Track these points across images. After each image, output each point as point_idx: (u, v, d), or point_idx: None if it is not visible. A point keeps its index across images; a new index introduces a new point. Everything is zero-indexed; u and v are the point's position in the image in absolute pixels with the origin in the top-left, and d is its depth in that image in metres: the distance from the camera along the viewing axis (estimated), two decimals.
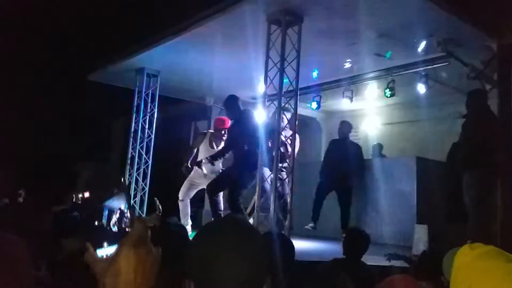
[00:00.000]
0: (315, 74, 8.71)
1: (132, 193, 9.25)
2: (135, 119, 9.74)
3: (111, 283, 1.03)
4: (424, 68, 7.90)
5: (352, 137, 9.03)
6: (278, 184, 6.22)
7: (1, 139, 8.17)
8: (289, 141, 6.53)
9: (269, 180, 6.29)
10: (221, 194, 6.67)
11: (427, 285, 2.68)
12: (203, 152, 7.06)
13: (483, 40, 6.55)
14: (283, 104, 6.33)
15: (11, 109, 8.68)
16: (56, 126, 9.61)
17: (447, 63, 7.43)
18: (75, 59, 9.24)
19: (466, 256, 1.26)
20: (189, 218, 7.11)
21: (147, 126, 9.74)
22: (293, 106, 6.42)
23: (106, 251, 1.12)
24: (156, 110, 9.75)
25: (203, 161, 6.66)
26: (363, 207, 8.47)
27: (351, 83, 9.24)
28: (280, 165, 6.50)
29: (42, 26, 9.03)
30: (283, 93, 6.29)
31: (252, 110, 7.02)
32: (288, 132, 6.61)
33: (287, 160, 6.55)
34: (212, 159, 6.63)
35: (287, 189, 6.54)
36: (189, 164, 7.07)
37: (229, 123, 6.87)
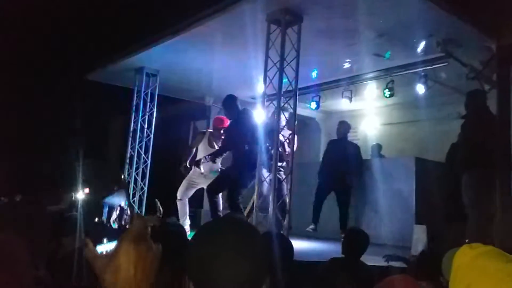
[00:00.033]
0: (314, 74, 8.71)
1: (131, 192, 9.23)
2: (134, 119, 9.72)
3: (111, 279, 1.02)
4: (423, 68, 7.91)
5: (351, 137, 9.04)
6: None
7: (1, 139, 8.17)
8: (287, 141, 6.54)
9: (267, 180, 6.30)
10: (220, 195, 6.67)
11: (427, 285, 2.68)
12: (202, 152, 7.06)
13: (483, 41, 6.56)
14: (282, 104, 6.34)
15: (11, 109, 8.67)
16: (56, 125, 9.60)
17: (446, 64, 7.44)
18: (74, 59, 9.23)
19: (466, 256, 1.26)
20: (187, 217, 7.10)
21: (146, 126, 9.72)
22: (292, 106, 6.43)
23: (105, 247, 1.12)
24: (155, 110, 9.74)
25: (202, 160, 6.65)
26: (362, 208, 8.48)
27: (350, 83, 9.26)
28: (278, 164, 6.51)
29: (42, 26, 9.02)
30: (282, 93, 6.29)
31: (251, 109, 7.02)
32: (286, 132, 6.62)
33: (285, 160, 6.55)
34: (211, 158, 6.63)
35: (285, 190, 6.55)
36: (187, 164, 7.07)
37: (228, 122, 6.87)
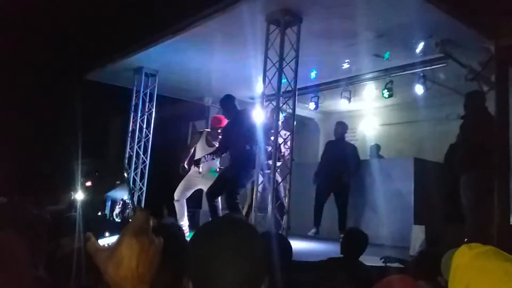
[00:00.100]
0: (313, 74, 8.71)
1: None
2: (133, 119, 9.71)
3: (113, 272, 1.02)
4: (422, 69, 7.92)
5: (350, 137, 9.05)
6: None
7: (1, 139, 8.16)
8: (284, 141, 6.56)
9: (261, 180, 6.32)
10: (219, 198, 6.63)
11: (425, 285, 2.69)
12: (200, 151, 7.05)
13: (481, 42, 6.56)
14: (281, 105, 6.34)
15: (11, 109, 8.67)
16: (56, 125, 9.60)
17: (445, 64, 7.45)
18: (74, 58, 9.22)
19: (465, 255, 1.27)
20: (186, 218, 7.07)
21: (145, 126, 9.71)
22: (291, 107, 6.43)
23: (107, 240, 1.12)
24: (154, 110, 9.73)
25: (202, 159, 6.64)
26: (361, 208, 8.47)
27: (349, 84, 9.26)
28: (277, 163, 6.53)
29: (42, 26, 9.02)
30: (281, 93, 6.30)
31: (249, 110, 7.02)
32: (282, 132, 6.62)
33: (281, 160, 6.56)
34: (210, 157, 6.63)
35: (282, 190, 6.56)
36: (185, 164, 7.06)
37: (225, 122, 6.87)
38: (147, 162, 9.64)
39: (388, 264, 4.79)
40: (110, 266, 1.03)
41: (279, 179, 6.53)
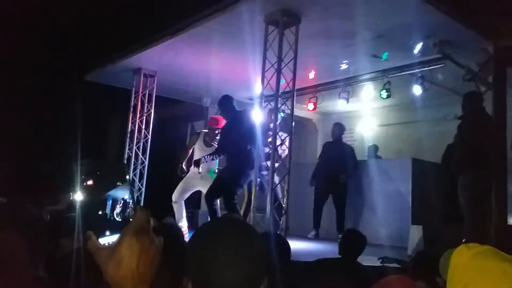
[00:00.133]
0: (311, 75, 8.72)
1: None
2: (131, 120, 9.70)
3: (113, 271, 1.03)
4: (420, 69, 7.93)
5: (348, 138, 9.05)
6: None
7: (0, 139, 8.15)
8: (281, 143, 6.57)
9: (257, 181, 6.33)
10: (218, 200, 6.60)
11: (424, 285, 2.69)
12: (198, 151, 7.04)
13: (479, 43, 6.58)
14: (279, 105, 6.35)
15: (11, 109, 8.65)
16: (55, 125, 9.58)
17: (443, 65, 7.46)
18: (74, 59, 9.22)
19: (463, 255, 1.27)
20: (185, 219, 7.03)
21: (143, 127, 9.71)
22: (289, 107, 6.44)
23: (108, 239, 1.13)
24: (152, 111, 9.72)
25: (202, 160, 6.63)
26: (359, 209, 8.48)
27: (347, 84, 9.27)
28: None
29: (42, 26, 9.01)
30: (280, 93, 6.30)
31: (248, 110, 7.02)
32: (279, 134, 6.62)
33: (278, 162, 6.56)
34: (210, 157, 6.62)
35: (280, 191, 6.57)
36: (183, 165, 7.05)
37: (223, 122, 6.87)
38: (146, 162, 9.63)
39: (386, 265, 4.80)
40: (110, 265, 1.03)
41: (276, 180, 6.53)
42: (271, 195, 6.00)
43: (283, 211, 6.25)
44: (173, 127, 12.15)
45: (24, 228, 1.83)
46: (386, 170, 8.40)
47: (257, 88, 7.25)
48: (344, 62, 8.08)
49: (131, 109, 9.68)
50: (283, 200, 6.34)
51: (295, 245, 5.43)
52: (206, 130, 7.28)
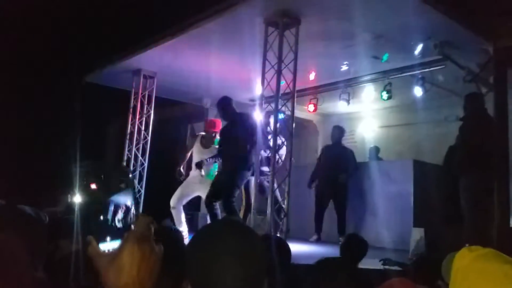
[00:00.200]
0: (312, 76, 8.71)
1: None
2: (131, 121, 9.69)
3: (114, 278, 1.02)
4: (421, 71, 7.91)
5: (348, 140, 9.04)
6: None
7: (0, 139, 8.14)
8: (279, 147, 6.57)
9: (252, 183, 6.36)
10: (218, 205, 6.56)
11: None
12: (197, 154, 7.03)
13: (480, 43, 6.57)
14: (280, 107, 6.34)
15: (11, 109, 8.64)
16: (55, 125, 9.57)
17: (443, 66, 7.45)
18: (74, 59, 9.21)
19: (465, 258, 1.27)
20: (184, 224, 6.99)
21: (143, 128, 9.69)
22: (290, 109, 6.43)
23: (109, 245, 1.12)
24: (152, 112, 9.70)
25: (204, 162, 6.62)
26: (360, 211, 8.46)
27: (348, 86, 9.25)
28: (267, 169, 6.53)
29: (42, 26, 9.01)
30: (280, 95, 6.29)
31: (248, 112, 7.02)
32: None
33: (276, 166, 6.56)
34: (212, 160, 6.61)
35: (279, 195, 6.56)
36: (181, 169, 7.03)
37: (220, 126, 6.86)
38: (145, 164, 9.61)
39: (387, 267, 4.79)
40: (111, 272, 1.03)
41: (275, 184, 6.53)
42: (271, 197, 5.98)
43: (283, 212, 6.24)
44: (173, 128, 12.14)
45: (23, 229, 1.83)
46: (387, 172, 8.38)
47: (257, 89, 7.24)
48: (344, 63, 8.07)
49: (131, 110, 9.67)
50: (284, 202, 6.33)
51: (295, 248, 5.42)
52: (203, 133, 7.26)
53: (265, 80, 6.30)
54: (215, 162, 6.73)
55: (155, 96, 9.66)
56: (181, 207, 7.00)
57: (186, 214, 7.20)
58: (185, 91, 10.37)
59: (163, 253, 1.09)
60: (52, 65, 9.51)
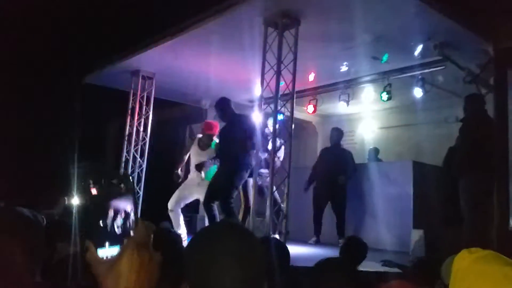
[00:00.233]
0: (311, 77, 8.70)
1: None
2: (129, 122, 9.66)
3: (112, 285, 1.02)
4: (421, 71, 7.92)
5: (348, 141, 9.03)
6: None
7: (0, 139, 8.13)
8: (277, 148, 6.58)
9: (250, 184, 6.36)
10: (216, 207, 6.54)
11: None
12: (194, 156, 7.01)
13: (480, 44, 6.56)
14: (279, 107, 6.34)
15: (11, 109, 8.64)
16: (55, 125, 9.57)
17: (443, 67, 7.45)
18: (74, 59, 9.21)
19: (465, 260, 1.27)
20: (183, 226, 6.95)
21: (142, 129, 9.68)
22: (289, 109, 6.42)
23: (107, 251, 1.11)
24: (151, 113, 9.69)
25: (205, 163, 6.61)
26: (360, 212, 8.45)
27: (347, 87, 9.25)
28: (266, 171, 6.52)
29: (42, 26, 9.01)
30: (279, 96, 6.29)
31: (246, 114, 7.01)
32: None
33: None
34: (213, 161, 6.60)
35: (278, 197, 6.56)
36: (179, 171, 7.01)
37: (217, 128, 6.85)
38: (144, 165, 9.60)
39: (387, 269, 4.78)
40: (109, 278, 1.03)
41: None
42: (271, 199, 5.98)
43: (282, 214, 6.23)
44: (172, 129, 12.13)
45: (21, 232, 1.82)
46: (387, 173, 8.38)
47: (257, 90, 7.24)
48: (344, 64, 8.07)
49: (129, 111, 9.64)
50: (283, 204, 6.32)
51: (295, 250, 5.41)
52: (201, 135, 7.24)
53: (265, 81, 6.29)
54: (215, 163, 6.72)
55: (154, 97, 9.64)
56: (179, 210, 6.96)
57: (185, 217, 7.17)
58: (184, 92, 10.36)
59: (161, 260, 1.09)
60: (52, 65, 9.51)
